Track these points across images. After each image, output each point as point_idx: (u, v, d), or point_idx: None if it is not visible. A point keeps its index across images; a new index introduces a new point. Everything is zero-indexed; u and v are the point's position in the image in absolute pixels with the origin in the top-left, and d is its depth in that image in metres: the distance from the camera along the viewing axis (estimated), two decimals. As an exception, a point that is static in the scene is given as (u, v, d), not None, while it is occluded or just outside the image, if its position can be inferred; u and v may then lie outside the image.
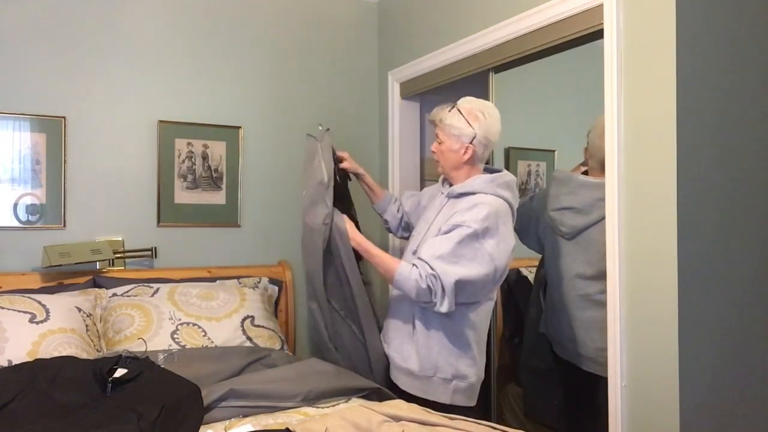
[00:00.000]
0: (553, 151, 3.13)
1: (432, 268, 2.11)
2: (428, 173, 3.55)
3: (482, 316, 2.29)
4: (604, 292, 2.18)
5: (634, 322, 2.04)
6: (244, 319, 2.73)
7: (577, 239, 2.56)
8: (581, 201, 2.54)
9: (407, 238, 2.65)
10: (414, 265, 2.17)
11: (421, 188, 3.50)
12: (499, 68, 2.75)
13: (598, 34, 2.18)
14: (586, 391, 2.50)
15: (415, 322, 2.28)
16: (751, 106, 2.11)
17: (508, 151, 3.04)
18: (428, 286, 2.11)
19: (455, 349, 2.25)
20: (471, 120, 2.26)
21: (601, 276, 2.26)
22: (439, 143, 2.34)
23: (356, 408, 1.80)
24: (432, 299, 2.13)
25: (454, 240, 2.14)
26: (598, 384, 2.33)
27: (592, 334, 2.47)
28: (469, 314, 2.24)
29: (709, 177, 1.99)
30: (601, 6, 2.15)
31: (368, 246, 2.35)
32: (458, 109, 2.29)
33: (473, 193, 2.25)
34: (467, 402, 2.29)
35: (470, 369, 2.27)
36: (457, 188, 2.30)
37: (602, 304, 2.27)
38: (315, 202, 2.39)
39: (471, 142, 2.26)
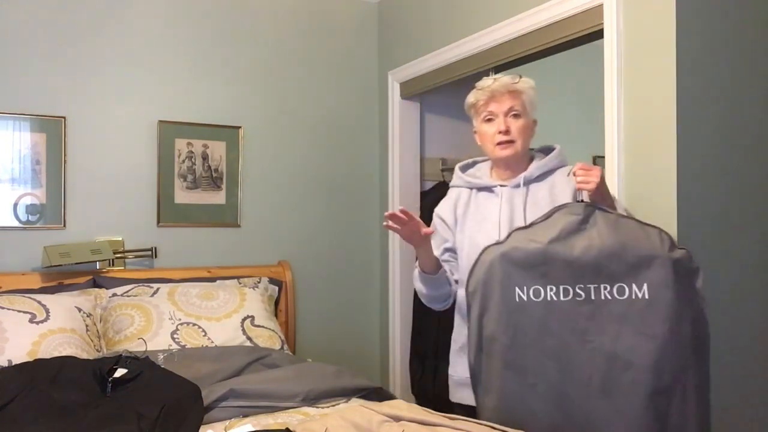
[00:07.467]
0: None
1: None
2: (428, 173, 3.54)
3: None
4: None
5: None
6: (244, 319, 2.73)
7: None
8: None
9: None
10: None
11: (421, 188, 3.48)
12: (499, 68, 2.74)
13: (598, 34, 2.18)
14: None
15: None
16: (751, 105, 2.11)
17: (508, 151, 3.03)
18: None
19: None
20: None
21: None
22: (516, 117, 1.88)
23: (356, 408, 1.79)
24: None
25: None
26: None
27: None
28: None
29: (709, 176, 2.00)
30: (601, 6, 2.15)
31: None
32: (520, 76, 1.93)
33: (552, 171, 1.94)
34: None
35: None
36: (536, 171, 1.94)
37: None
38: None
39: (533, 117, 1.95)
